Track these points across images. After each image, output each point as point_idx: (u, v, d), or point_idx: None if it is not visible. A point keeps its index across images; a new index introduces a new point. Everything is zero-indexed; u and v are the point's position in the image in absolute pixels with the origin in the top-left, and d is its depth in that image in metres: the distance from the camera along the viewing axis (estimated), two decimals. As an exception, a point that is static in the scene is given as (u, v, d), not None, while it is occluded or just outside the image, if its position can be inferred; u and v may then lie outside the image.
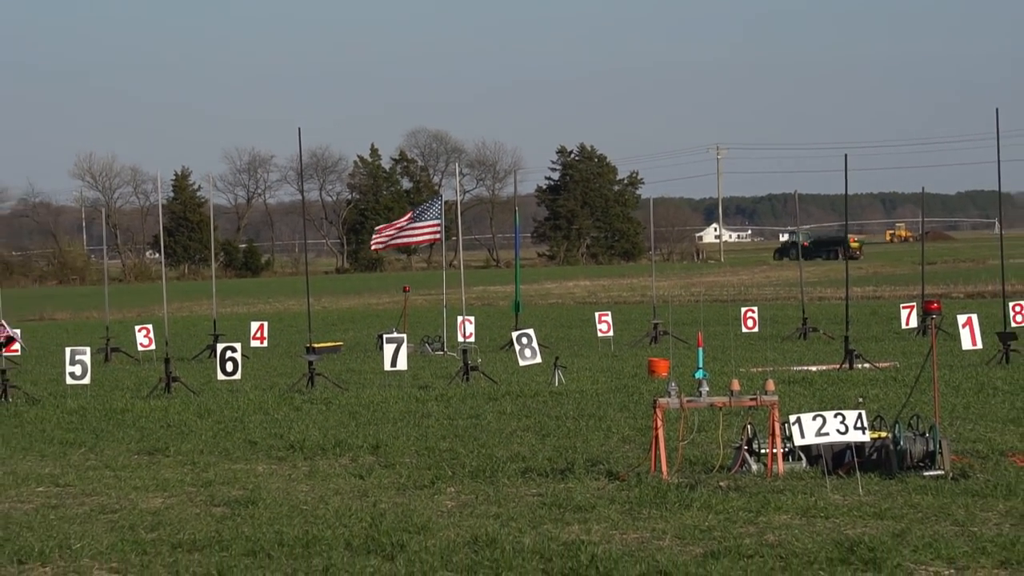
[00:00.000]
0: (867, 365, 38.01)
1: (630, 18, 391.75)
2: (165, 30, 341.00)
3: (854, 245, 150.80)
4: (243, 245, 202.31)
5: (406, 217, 48.71)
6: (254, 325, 54.08)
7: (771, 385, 21.42)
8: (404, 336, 39.27)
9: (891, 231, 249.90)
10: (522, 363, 38.96)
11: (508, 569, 15.35)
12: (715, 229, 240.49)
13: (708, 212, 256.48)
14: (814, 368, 38.18)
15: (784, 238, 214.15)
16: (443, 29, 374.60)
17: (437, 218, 46.83)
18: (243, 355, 39.10)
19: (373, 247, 52.41)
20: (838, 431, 19.85)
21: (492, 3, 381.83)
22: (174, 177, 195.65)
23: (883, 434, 20.61)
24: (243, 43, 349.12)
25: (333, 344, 50.69)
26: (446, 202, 56.94)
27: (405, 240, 49.15)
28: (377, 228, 52.24)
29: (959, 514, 17.50)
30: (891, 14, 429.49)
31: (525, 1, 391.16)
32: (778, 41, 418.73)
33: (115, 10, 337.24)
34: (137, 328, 53.81)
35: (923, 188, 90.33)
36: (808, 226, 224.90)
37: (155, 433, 28.37)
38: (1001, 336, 38.87)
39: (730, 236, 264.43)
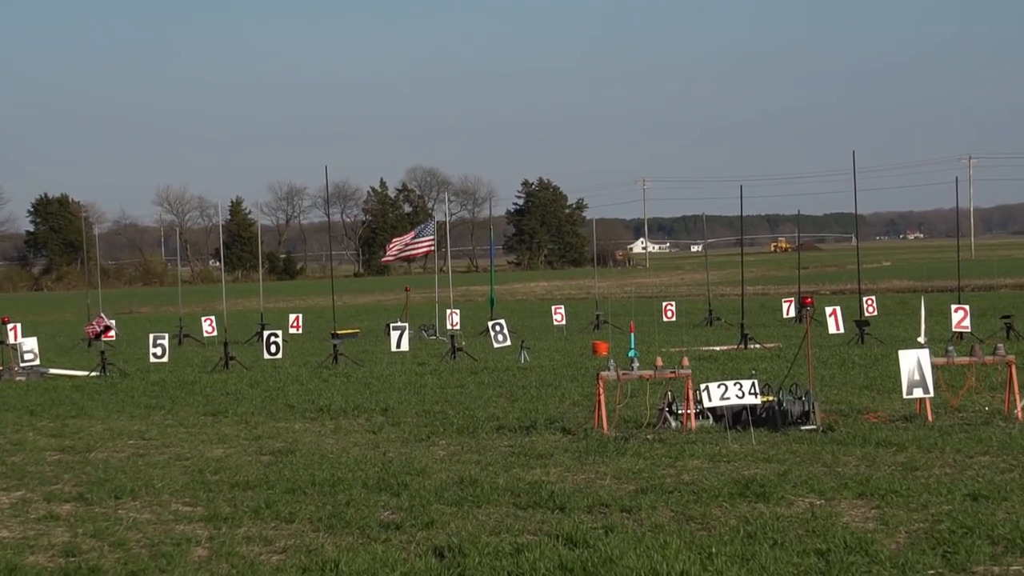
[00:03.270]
0: (758, 346, 38.07)
1: (575, 75, 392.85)
2: (225, 87, 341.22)
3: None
4: (283, 256, 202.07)
5: (409, 235, 49.38)
6: (291, 317, 54.10)
7: (686, 361, 21.44)
8: (406, 325, 39.21)
9: (774, 243, 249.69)
10: (496, 346, 38.95)
11: (487, 502, 15.32)
12: (642, 242, 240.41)
13: (636, 229, 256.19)
14: (718, 348, 38.20)
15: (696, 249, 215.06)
16: (436, 90, 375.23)
17: (431, 235, 47.86)
18: (283, 339, 39.04)
19: (384, 259, 52.93)
20: (736, 396, 19.87)
21: (473, 71, 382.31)
22: (230, 203, 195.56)
23: (770, 398, 20.62)
24: (284, 99, 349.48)
25: (351, 331, 50.61)
26: (437, 223, 56.82)
27: (409, 253, 49.64)
28: (387, 245, 52.73)
29: (827, 458, 17.52)
30: (776, 79, 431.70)
31: (498, 66, 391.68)
32: (687, 96, 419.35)
33: (182, 71, 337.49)
34: (203, 319, 53.90)
35: (799, 210, 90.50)
36: (711, 240, 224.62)
37: (217, 399, 28.30)
38: (857, 323, 39.06)
39: (653, 247, 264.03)
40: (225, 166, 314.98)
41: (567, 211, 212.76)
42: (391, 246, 50.13)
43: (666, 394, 21.30)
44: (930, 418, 20.58)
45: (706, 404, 20.27)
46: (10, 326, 40.49)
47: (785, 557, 12.30)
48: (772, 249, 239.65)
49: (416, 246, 48.37)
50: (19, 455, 20.81)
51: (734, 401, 19.95)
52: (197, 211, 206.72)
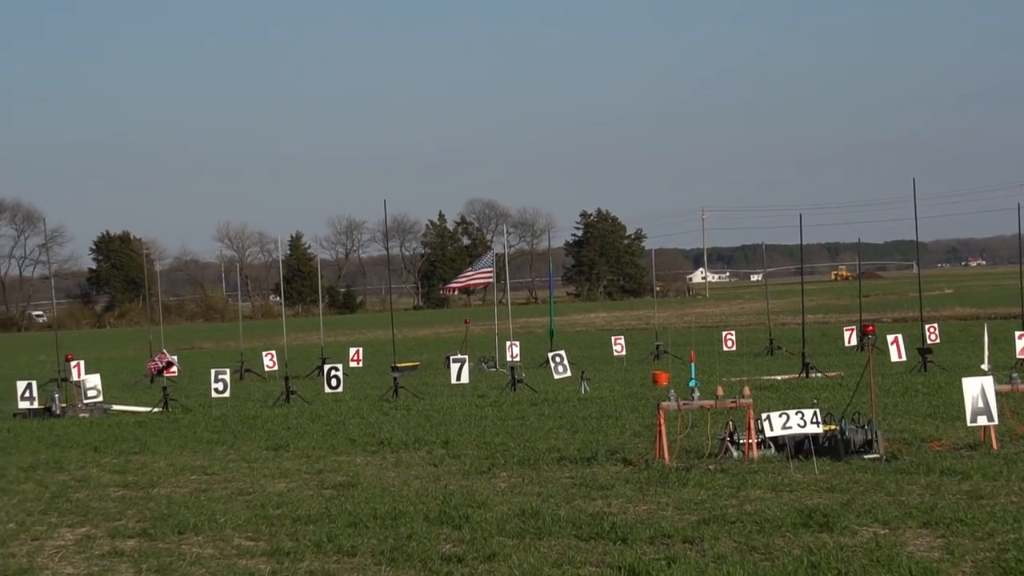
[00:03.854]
0: (819, 374, 37.87)
1: (633, 112, 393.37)
2: (282, 124, 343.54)
3: None
4: (343, 289, 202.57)
5: (468, 269, 49.73)
6: (352, 350, 54.22)
7: (747, 391, 21.37)
8: (466, 357, 39.28)
9: (835, 272, 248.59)
10: (556, 377, 38.92)
11: (548, 534, 15.31)
12: (701, 272, 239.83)
13: (696, 259, 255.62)
14: (779, 377, 38.05)
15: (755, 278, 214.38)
16: (493, 123, 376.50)
17: (490, 267, 47.91)
18: (344, 373, 39.13)
19: (443, 292, 53.62)
20: (798, 425, 19.78)
21: (529, 103, 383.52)
22: (290, 238, 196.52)
23: (833, 427, 20.51)
24: (341, 134, 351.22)
25: (412, 364, 50.68)
26: (496, 254, 56.94)
27: (467, 283, 49.81)
28: (446, 284, 53.62)
29: (891, 487, 17.42)
30: (835, 111, 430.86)
31: (555, 99, 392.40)
32: (745, 128, 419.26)
33: (239, 110, 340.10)
34: (264, 353, 54.06)
35: (859, 239, 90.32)
36: (771, 269, 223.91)
37: (279, 433, 28.39)
38: (920, 351, 38.79)
39: (713, 277, 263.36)
40: (284, 201, 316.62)
41: (626, 242, 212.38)
42: (450, 283, 50.68)
43: (727, 424, 21.23)
44: (995, 446, 20.43)
45: (768, 433, 20.18)
46: (73, 363, 40.78)
47: (849, 587, 12.22)
48: (833, 277, 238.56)
49: (475, 277, 48.49)
50: (83, 491, 20.95)
51: (796, 430, 19.86)
52: (257, 246, 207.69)
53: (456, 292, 59.15)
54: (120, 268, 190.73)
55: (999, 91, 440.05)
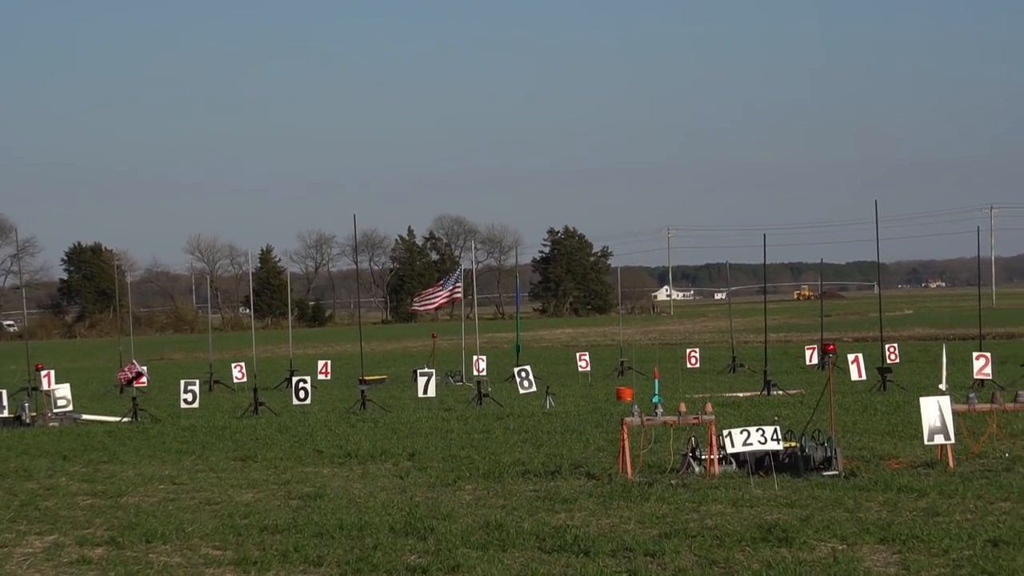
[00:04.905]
0: (780, 392, 38.01)
1: (603, 128, 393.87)
2: (254, 139, 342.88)
3: None
4: (312, 303, 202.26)
5: (436, 285, 49.83)
6: (320, 363, 54.13)
7: (709, 407, 21.43)
8: (433, 371, 39.27)
9: (797, 291, 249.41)
10: (522, 391, 38.97)
11: (512, 546, 15.34)
12: (666, 290, 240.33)
13: (661, 277, 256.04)
14: (741, 394, 38.14)
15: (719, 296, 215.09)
16: (463, 140, 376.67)
17: (458, 282, 48.08)
18: (312, 386, 39.08)
19: (413, 309, 53.84)
20: (759, 441, 19.86)
21: (499, 122, 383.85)
22: (260, 251, 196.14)
23: (793, 444, 20.60)
24: (312, 149, 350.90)
25: (379, 377, 50.62)
26: (464, 270, 57.04)
27: (437, 302, 49.84)
28: (416, 295, 53.59)
29: (849, 504, 17.50)
30: (799, 133, 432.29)
31: (523, 118, 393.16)
32: (712, 148, 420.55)
33: (211, 123, 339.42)
34: (233, 365, 53.95)
35: (821, 259, 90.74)
36: (735, 287, 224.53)
37: (246, 444, 28.34)
38: (880, 370, 38.98)
39: (678, 295, 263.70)
40: (255, 215, 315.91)
41: (592, 259, 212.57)
42: (420, 296, 50.68)
43: (690, 440, 21.29)
44: (951, 464, 20.53)
45: (729, 450, 20.24)
46: (43, 373, 40.60)
47: (807, 601, 12.29)
48: (795, 297, 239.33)
49: (444, 294, 48.55)
50: (52, 500, 20.89)
51: (757, 447, 19.94)
52: (227, 259, 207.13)
53: (428, 309, 59.07)
54: (91, 279, 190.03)
55: (961, 117, 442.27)
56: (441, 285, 49.60)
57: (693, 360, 53.11)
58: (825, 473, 19.98)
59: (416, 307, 55.53)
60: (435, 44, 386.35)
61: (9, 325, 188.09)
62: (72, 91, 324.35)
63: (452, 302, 51.72)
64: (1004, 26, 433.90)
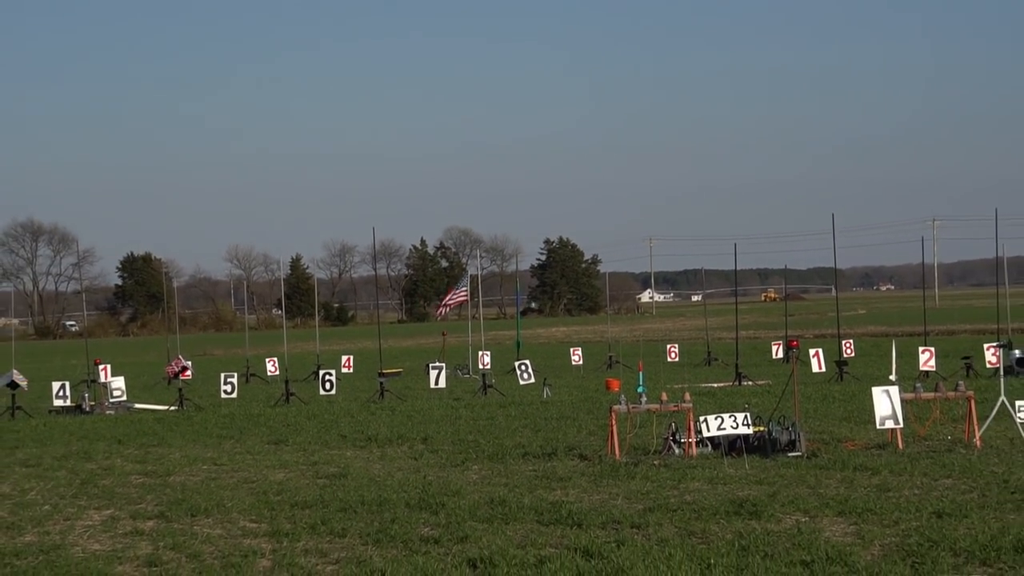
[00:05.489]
0: (750, 383, 37.99)
1: (593, 148, 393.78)
2: (286, 158, 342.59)
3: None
4: (336, 305, 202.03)
5: (449, 291, 50.27)
6: (344, 358, 54.21)
7: (687, 396, 21.42)
8: (443, 365, 39.28)
9: (764, 294, 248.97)
10: (522, 383, 38.95)
11: (514, 520, 15.31)
12: (649, 292, 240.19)
13: (644, 281, 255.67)
14: (715, 385, 38.14)
15: (696, 298, 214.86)
16: (470, 158, 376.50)
17: (466, 287, 48.18)
18: (336, 378, 39.09)
19: (437, 315, 54.81)
20: (732, 426, 19.84)
21: (502, 140, 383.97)
22: (291, 260, 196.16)
23: (761, 428, 20.58)
24: (337, 167, 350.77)
25: (396, 370, 50.63)
26: (471, 276, 57.10)
27: (452, 303, 50.07)
28: (437, 305, 54.64)
29: (811, 481, 17.47)
30: (765, 151, 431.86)
31: (525, 137, 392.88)
32: (688, 166, 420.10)
33: (248, 145, 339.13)
34: (267, 360, 53.96)
35: (785, 265, 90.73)
36: (709, 290, 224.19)
37: (279, 430, 28.33)
38: (837, 363, 39.03)
39: (659, 297, 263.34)
40: (286, 227, 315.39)
41: (584, 265, 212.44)
42: (439, 304, 51.63)
43: (670, 425, 21.26)
44: (900, 446, 20.52)
45: (705, 434, 20.23)
46: (101, 367, 40.65)
47: (775, 567, 12.27)
48: (763, 299, 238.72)
49: (455, 297, 48.91)
50: (109, 478, 20.87)
51: (730, 431, 19.92)
52: (262, 266, 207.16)
53: (446, 312, 59.75)
54: (142, 284, 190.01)
55: (909, 140, 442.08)
56: (452, 291, 49.88)
57: (673, 355, 53.08)
58: (790, 454, 19.96)
59: (440, 312, 56.41)
60: (450, 72, 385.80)
61: (71, 325, 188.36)
62: (126, 115, 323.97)
63: (462, 303, 51.83)
64: (951, 54, 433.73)
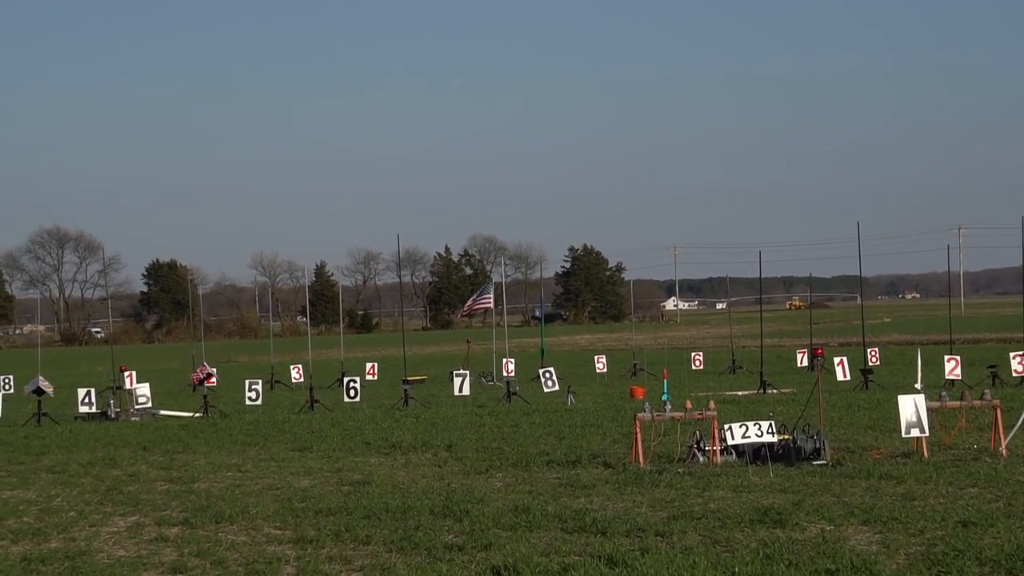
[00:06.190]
0: (775, 391, 37.92)
1: (617, 157, 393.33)
2: (310, 165, 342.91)
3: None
4: (360, 312, 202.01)
5: (472, 297, 50.18)
6: (368, 365, 54.17)
7: (712, 404, 21.40)
8: (467, 372, 39.29)
9: (789, 302, 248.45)
10: (546, 390, 38.96)
11: (538, 527, 15.31)
12: (674, 300, 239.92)
13: (669, 289, 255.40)
14: (740, 393, 38.07)
15: (720, 306, 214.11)
16: (495, 165, 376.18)
17: (490, 294, 48.10)
18: (361, 385, 39.13)
19: (459, 317, 54.78)
20: (756, 435, 19.80)
21: (528, 149, 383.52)
22: (315, 267, 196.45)
23: (786, 436, 20.54)
24: (363, 174, 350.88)
25: (420, 377, 50.68)
26: (495, 283, 57.16)
27: (474, 308, 50.05)
28: (460, 310, 54.75)
29: (836, 489, 17.43)
30: (787, 160, 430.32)
31: (550, 144, 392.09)
32: (713, 174, 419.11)
33: (272, 155, 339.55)
34: (291, 367, 54.07)
35: (810, 273, 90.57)
36: (734, 298, 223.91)
37: (303, 437, 28.38)
38: (862, 371, 38.89)
39: (684, 305, 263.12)
40: (311, 234, 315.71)
41: (608, 273, 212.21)
42: (462, 308, 51.72)
43: (695, 433, 21.25)
44: (926, 455, 20.45)
45: (730, 442, 20.20)
46: (127, 374, 40.74)
47: (799, 576, 12.24)
48: (787, 307, 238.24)
49: (478, 303, 48.85)
50: (134, 485, 20.95)
51: (754, 439, 19.87)
52: (287, 273, 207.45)
53: (470, 315, 60.16)
54: (168, 291, 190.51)
55: (934, 148, 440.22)
56: (477, 296, 49.85)
57: (698, 362, 53.00)
58: (815, 462, 19.92)
59: (461, 315, 56.77)
60: (476, 84, 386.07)
61: (97, 332, 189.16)
62: (152, 123, 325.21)
63: (486, 310, 51.87)
64: (973, 60, 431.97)
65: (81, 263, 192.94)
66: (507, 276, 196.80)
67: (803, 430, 20.71)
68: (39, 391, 35.67)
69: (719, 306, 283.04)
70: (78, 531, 16.43)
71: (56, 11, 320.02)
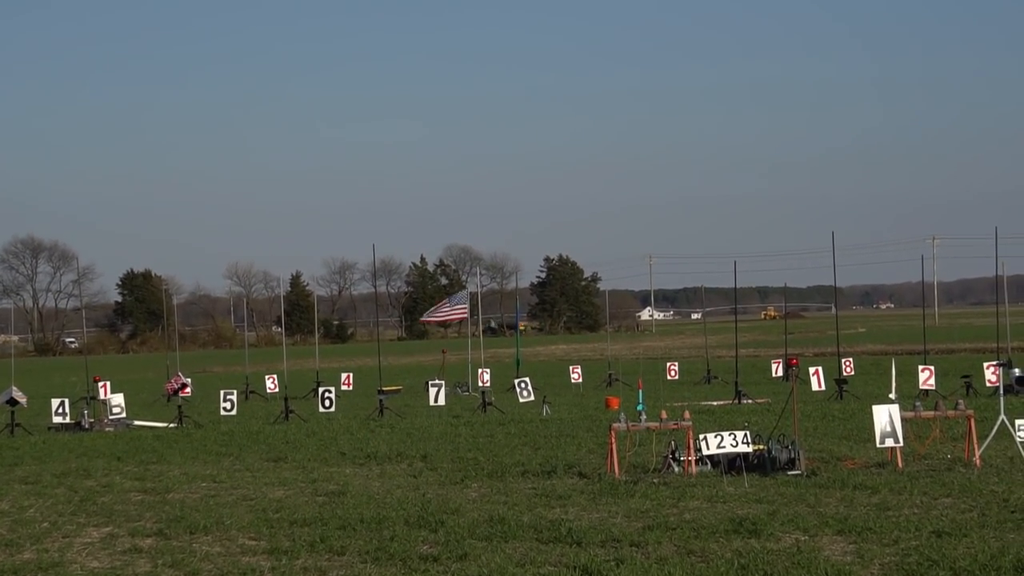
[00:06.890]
0: (750, 401, 37.99)
1: (592, 167, 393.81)
2: (286, 175, 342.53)
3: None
4: (336, 322, 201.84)
5: (444, 303, 49.88)
6: (343, 375, 54.04)
7: (687, 415, 21.42)
8: (442, 382, 39.24)
9: (764, 312, 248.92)
10: (521, 400, 38.95)
11: (513, 538, 15.30)
12: (649, 310, 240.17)
13: (644, 299, 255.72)
14: (715, 403, 38.14)
15: (695, 316, 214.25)
16: (470, 176, 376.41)
17: (464, 303, 47.92)
18: (336, 395, 39.06)
19: (422, 320, 54.01)
20: (731, 445, 19.83)
21: (501, 159, 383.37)
22: (291, 277, 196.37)
23: (761, 447, 20.57)
24: (337, 185, 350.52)
25: (395, 388, 50.59)
26: (470, 293, 57.01)
27: (444, 318, 49.91)
28: (424, 316, 53.86)
29: (811, 499, 17.46)
30: (757, 170, 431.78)
31: (524, 154, 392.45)
32: (687, 184, 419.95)
33: (247, 164, 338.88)
34: (266, 377, 53.92)
35: (785, 283, 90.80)
36: (709, 308, 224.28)
37: (278, 447, 28.31)
38: (837, 381, 39.02)
39: (659, 315, 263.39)
40: (286, 244, 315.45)
41: (583, 283, 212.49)
42: (430, 312, 50.98)
43: (670, 443, 21.27)
44: (900, 465, 20.50)
45: (705, 452, 20.22)
46: (101, 384, 40.63)
47: (774, 586, 12.25)
48: (762, 317, 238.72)
49: (451, 312, 48.67)
50: (108, 496, 20.86)
51: (729, 449, 19.90)
52: (262, 283, 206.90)
53: (432, 323, 59.75)
54: (142, 301, 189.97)
55: (908, 158, 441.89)
56: (447, 302, 49.68)
57: (673, 373, 53.08)
58: (789, 472, 19.95)
59: (426, 319, 56.02)
60: (450, 89, 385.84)
61: (71, 342, 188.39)
62: (125, 132, 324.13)
63: (460, 320, 51.79)
64: (950, 72, 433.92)
65: (55, 273, 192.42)
66: (482, 286, 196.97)
67: (778, 440, 20.75)
68: (12, 402, 35.50)
69: (694, 316, 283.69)
70: (51, 542, 16.35)
71: (28, 14, 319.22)
